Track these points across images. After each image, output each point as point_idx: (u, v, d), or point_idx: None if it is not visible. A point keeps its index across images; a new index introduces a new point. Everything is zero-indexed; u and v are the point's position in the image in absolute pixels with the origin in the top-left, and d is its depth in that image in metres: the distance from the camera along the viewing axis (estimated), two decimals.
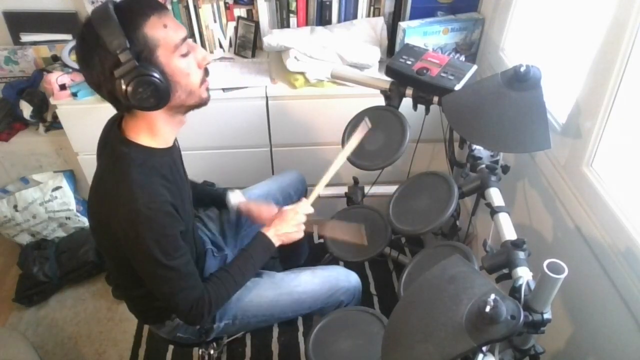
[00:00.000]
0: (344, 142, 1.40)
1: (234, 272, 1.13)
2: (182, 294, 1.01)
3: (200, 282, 1.06)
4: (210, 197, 1.42)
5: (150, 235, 0.92)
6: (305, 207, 1.23)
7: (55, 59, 1.85)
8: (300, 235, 1.22)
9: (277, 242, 1.19)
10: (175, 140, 1.09)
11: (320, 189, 1.28)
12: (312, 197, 1.28)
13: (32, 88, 1.87)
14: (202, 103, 1.01)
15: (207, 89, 1.01)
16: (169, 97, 0.91)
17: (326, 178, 1.27)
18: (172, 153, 1.05)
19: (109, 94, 0.90)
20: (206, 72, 0.99)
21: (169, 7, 1.78)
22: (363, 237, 1.29)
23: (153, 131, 0.98)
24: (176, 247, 0.98)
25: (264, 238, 1.18)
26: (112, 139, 0.99)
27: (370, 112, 1.42)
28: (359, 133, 1.32)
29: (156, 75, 0.87)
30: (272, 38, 1.74)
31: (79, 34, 0.88)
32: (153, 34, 0.87)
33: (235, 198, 1.40)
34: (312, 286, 1.28)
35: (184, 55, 0.92)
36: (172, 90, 0.92)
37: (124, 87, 0.86)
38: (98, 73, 0.87)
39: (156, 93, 0.88)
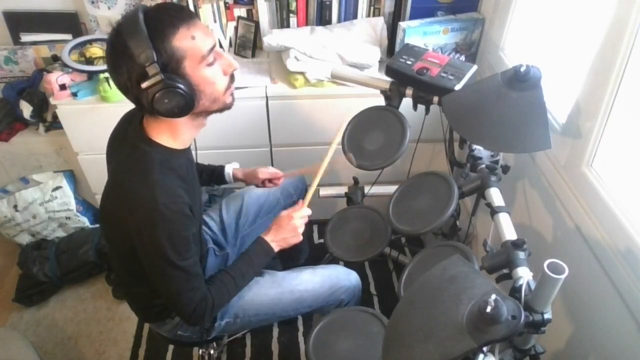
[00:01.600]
0: (343, 146, 1.41)
1: (235, 275, 1.14)
2: (188, 294, 1.02)
3: (204, 283, 1.06)
4: (207, 173, 1.44)
5: (166, 235, 0.93)
6: (301, 211, 1.24)
7: (55, 59, 1.85)
8: (298, 239, 1.22)
9: (275, 247, 1.20)
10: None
11: (314, 188, 1.27)
12: (308, 198, 1.28)
13: (32, 88, 1.87)
14: (226, 108, 1.02)
15: (232, 94, 1.02)
16: (193, 106, 0.93)
17: (318, 176, 1.27)
18: (188, 154, 1.07)
19: (135, 99, 0.92)
20: (232, 79, 1.00)
21: None
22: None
23: (175, 134, 1.00)
24: (188, 248, 0.99)
25: (264, 243, 1.19)
26: (133, 136, 1.00)
27: (370, 112, 1.42)
28: (342, 127, 1.33)
29: (182, 87, 0.88)
30: (272, 38, 1.74)
31: (109, 38, 0.89)
32: (181, 45, 0.87)
33: (230, 167, 1.45)
34: (313, 285, 1.28)
35: (211, 64, 0.93)
36: (197, 99, 0.93)
37: (149, 97, 0.87)
38: (125, 80, 0.89)
39: (181, 103, 0.90)
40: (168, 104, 0.89)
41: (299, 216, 1.22)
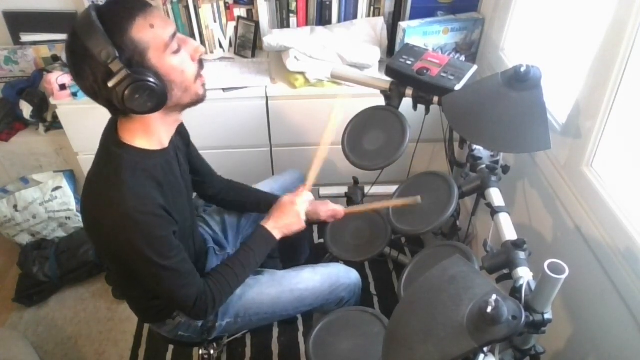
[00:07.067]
0: (343, 146, 1.40)
1: (235, 266, 1.13)
2: (182, 291, 1.02)
3: (199, 278, 1.06)
4: (266, 205, 1.33)
5: (142, 238, 0.92)
6: (302, 196, 1.22)
7: (55, 59, 1.85)
8: (300, 225, 1.21)
9: (277, 235, 1.18)
10: (172, 140, 1.08)
11: (315, 174, 1.26)
12: (310, 181, 1.26)
13: (32, 88, 1.87)
14: (199, 100, 0.99)
15: (203, 85, 0.99)
16: (166, 99, 0.90)
17: (318, 161, 1.25)
18: (167, 154, 1.04)
19: (106, 102, 0.89)
20: (201, 65, 0.98)
21: (169, 7, 1.79)
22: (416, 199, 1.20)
23: (149, 133, 0.98)
24: (170, 247, 0.98)
25: (264, 231, 1.18)
26: (108, 140, 0.98)
27: (370, 112, 1.42)
28: (334, 114, 1.27)
29: (151, 79, 0.86)
30: (272, 38, 1.74)
31: (67, 45, 0.86)
32: (141, 36, 0.85)
33: None
34: (313, 283, 1.28)
35: (176, 52, 0.91)
36: (168, 90, 0.91)
37: (119, 95, 0.84)
38: (91, 83, 0.86)
39: (153, 97, 0.87)
40: (140, 99, 0.86)
41: (301, 201, 1.21)
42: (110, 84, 0.84)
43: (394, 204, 1.26)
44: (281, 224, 1.19)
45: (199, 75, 0.97)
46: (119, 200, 0.90)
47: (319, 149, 1.25)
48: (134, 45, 0.84)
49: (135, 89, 0.84)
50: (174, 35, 0.90)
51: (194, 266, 1.05)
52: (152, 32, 0.86)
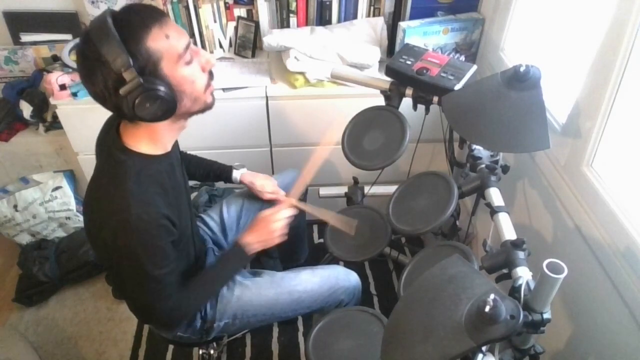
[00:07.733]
0: (343, 146, 1.41)
1: (207, 281, 1.15)
2: (160, 302, 1.01)
3: (177, 291, 1.04)
4: (215, 173, 1.44)
5: (140, 245, 0.92)
6: (280, 213, 1.21)
7: (55, 59, 1.85)
8: (275, 241, 1.20)
9: (251, 250, 1.18)
10: (175, 142, 1.08)
11: (302, 186, 1.30)
12: (294, 195, 1.29)
13: (32, 88, 1.87)
14: (207, 108, 1.00)
15: (212, 94, 1.00)
16: (176, 108, 0.90)
17: (308, 174, 1.28)
18: (170, 158, 1.04)
19: (114, 107, 0.89)
20: (211, 76, 0.98)
21: (169, 7, 1.79)
22: (352, 229, 1.29)
23: (154, 139, 0.98)
24: (164, 256, 0.97)
25: (237, 248, 1.18)
26: (110, 144, 0.98)
27: (370, 112, 1.42)
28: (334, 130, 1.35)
29: (162, 89, 0.86)
30: (272, 38, 1.74)
31: (79, 48, 0.86)
32: (156, 46, 0.85)
33: (238, 174, 1.43)
34: (312, 285, 1.28)
35: (188, 63, 0.91)
36: (178, 100, 0.91)
37: (130, 103, 0.84)
38: (102, 89, 0.86)
39: (163, 106, 0.87)
40: (150, 108, 0.86)
41: (277, 219, 1.20)
42: (121, 92, 0.83)
43: (333, 221, 1.32)
44: (255, 240, 1.18)
45: (208, 85, 0.97)
46: (123, 206, 0.90)
47: (312, 162, 1.28)
48: (148, 55, 0.85)
49: (146, 98, 0.85)
50: (187, 47, 0.90)
51: (177, 279, 1.04)
52: (167, 42, 0.86)
